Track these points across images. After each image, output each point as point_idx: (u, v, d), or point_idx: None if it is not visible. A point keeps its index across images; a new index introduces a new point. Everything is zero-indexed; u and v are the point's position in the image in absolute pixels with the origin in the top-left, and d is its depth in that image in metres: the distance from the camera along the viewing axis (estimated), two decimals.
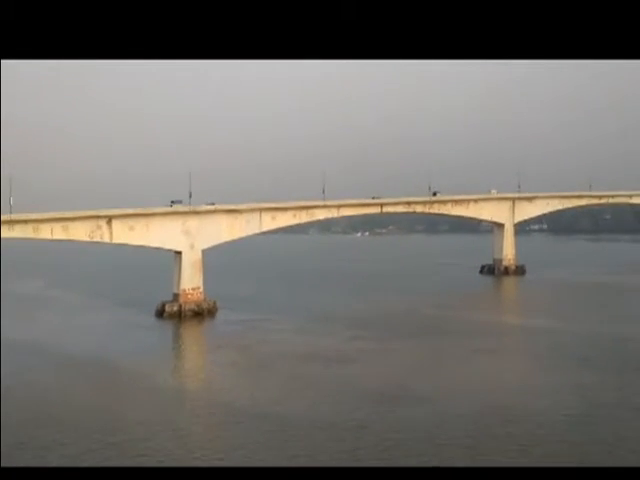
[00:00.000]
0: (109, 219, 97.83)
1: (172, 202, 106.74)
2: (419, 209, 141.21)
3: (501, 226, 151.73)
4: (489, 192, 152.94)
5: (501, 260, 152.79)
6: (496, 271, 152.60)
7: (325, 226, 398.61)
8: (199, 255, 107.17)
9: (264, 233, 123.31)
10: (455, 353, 70.27)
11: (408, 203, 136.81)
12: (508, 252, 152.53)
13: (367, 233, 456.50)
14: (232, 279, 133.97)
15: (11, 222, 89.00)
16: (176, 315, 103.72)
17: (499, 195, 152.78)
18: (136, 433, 45.26)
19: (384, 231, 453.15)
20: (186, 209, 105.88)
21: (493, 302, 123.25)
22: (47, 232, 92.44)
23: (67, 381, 63.87)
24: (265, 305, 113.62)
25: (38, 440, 44.22)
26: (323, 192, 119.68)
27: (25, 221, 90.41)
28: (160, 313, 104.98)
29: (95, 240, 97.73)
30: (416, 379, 58.97)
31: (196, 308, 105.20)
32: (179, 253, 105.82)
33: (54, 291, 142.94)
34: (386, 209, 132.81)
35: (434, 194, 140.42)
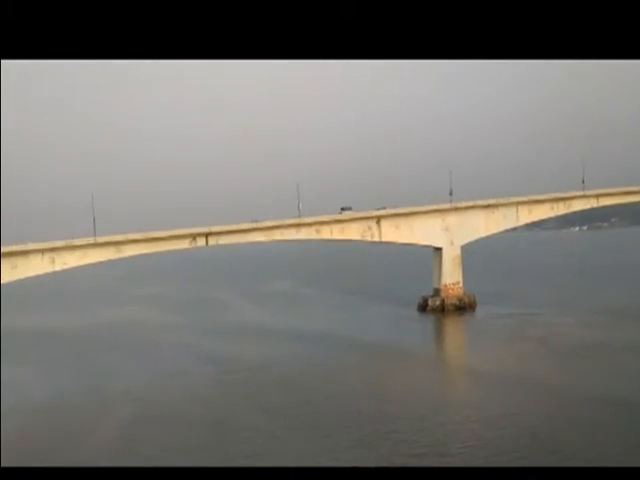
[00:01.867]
0: (378, 219, 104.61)
1: (342, 209, 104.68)
2: None
3: None
4: None
5: None
6: None
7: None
8: (458, 251, 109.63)
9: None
10: None
11: None
12: None
13: (585, 227, 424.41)
14: (480, 276, 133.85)
15: (299, 225, 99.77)
16: (439, 309, 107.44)
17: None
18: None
19: (605, 224, 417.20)
20: (447, 206, 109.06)
21: None
22: (327, 233, 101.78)
23: (381, 364, 70.43)
24: (523, 300, 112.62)
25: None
26: (583, 182, 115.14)
27: (310, 224, 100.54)
28: (423, 307, 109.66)
29: (366, 239, 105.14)
30: None
31: (457, 302, 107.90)
32: (439, 249, 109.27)
33: (314, 289, 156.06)
34: None
35: None
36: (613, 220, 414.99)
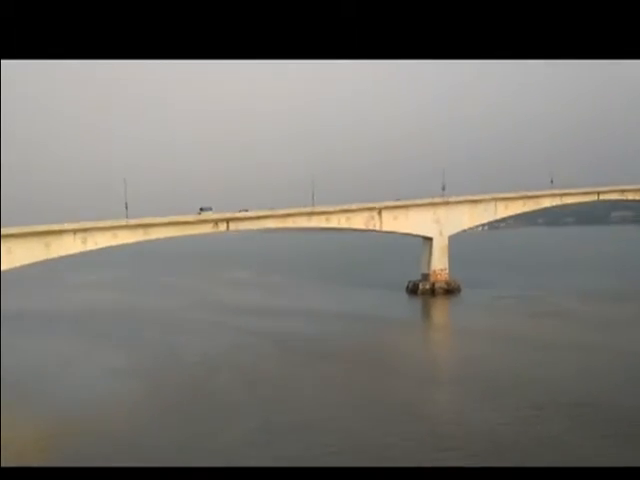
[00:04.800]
0: (379, 211, 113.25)
1: (201, 209, 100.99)
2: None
3: None
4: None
5: None
6: None
7: None
8: (446, 241, 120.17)
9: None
10: None
11: (622, 191, 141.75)
12: None
13: (486, 227, 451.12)
14: (461, 265, 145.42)
15: (311, 214, 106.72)
16: (428, 292, 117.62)
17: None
18: None
19: (502, 225, 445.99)
20: (439, 200, 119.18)
21: None
22: (336, 221, 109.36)
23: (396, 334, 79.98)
24: (502, 285, 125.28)
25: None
26: (551, 182, 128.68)
27: (320, 213, 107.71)
28: (412, 291, 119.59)
29: (369, 228, 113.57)
30: None
31: (446, 286, 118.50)
32: (429, 239, 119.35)
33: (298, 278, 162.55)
34: (603, 197, 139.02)
35: None
36: (568, 220, 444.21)
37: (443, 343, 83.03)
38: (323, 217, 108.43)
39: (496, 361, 64.79)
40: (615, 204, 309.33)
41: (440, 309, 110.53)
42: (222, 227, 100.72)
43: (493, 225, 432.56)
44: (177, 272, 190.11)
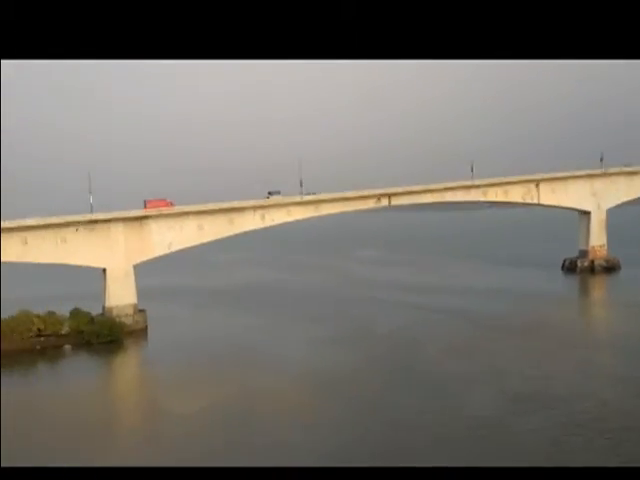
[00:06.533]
0: (537, 183, 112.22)
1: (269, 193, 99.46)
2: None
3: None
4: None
5: None
6: None
7: None
8: (604, 215, 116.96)
9: None
10: None
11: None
12: None
13: None
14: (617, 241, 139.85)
15: (469, 187, 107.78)
16: (587, 270, 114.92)
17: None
18: None
19: None
20: (598, 172, 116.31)
21: None
22: (493, 195, 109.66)
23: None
24: None
25: None
26: None
27: (478, 186, 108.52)
28: (570, 268, 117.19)
29: (527, 202, 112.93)
30: None
31: (605, 263, 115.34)
32: (587, 213, 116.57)
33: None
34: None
35: None
36: None
37: (616, 320, 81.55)
38: (480, 191, 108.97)
39: None
40: None
41: (603, 287, 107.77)
42: (384, 202, 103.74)
43: None
44: (319, 252, 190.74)
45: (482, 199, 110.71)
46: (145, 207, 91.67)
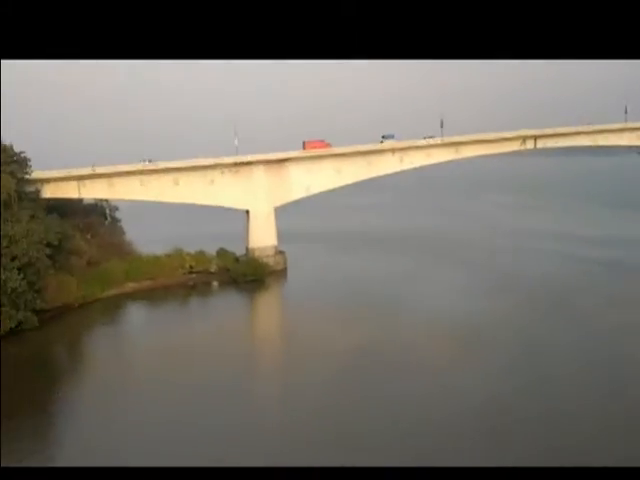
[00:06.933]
0: None
1: (383, 137, 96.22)
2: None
3: None
4: None
5: None
6: None
7: None
8: None
9: None
10: None
11: None
12: None
13: None
14: None
15: (623, 130, 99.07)
16: None
17: None
18: None
19: None
20: None
21: None
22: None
23: None
24: None
25: None
26: None
27: (634, 129, 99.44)
28: None
29: None
30: None
31: None
32: None
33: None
34: None
35: None
36: None
37: None
38: (634, 134, 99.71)
39: None
40: None
41: None
42: (529, 144, 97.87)
43: None
44: (457, 197, 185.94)
45: (635, 143, 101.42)
46: (304, 148, 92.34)
